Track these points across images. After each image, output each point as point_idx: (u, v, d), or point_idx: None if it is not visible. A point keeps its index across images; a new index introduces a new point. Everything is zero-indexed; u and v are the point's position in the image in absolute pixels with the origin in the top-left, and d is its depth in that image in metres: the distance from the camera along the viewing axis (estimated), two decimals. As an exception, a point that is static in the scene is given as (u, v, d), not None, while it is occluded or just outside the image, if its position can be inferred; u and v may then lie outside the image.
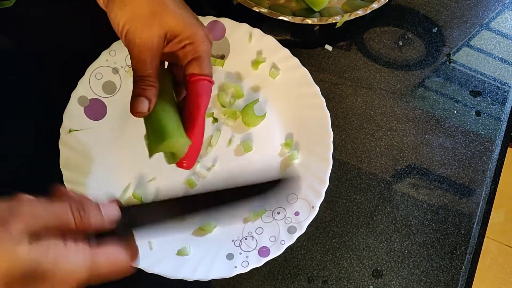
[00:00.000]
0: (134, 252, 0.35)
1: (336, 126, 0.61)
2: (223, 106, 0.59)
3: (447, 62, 0.65)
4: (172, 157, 0.46)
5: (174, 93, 0.49)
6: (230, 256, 0.54)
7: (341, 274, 0.57)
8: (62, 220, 0.32)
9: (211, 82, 0.47)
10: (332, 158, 0.56)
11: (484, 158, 0.61)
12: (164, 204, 0.37)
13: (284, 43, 0.59)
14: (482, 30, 0.66)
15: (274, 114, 0.60)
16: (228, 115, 0.59)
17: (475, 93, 0.64)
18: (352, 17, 0.60)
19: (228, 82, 0.60)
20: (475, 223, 0.59)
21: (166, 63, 0.51)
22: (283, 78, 0.60)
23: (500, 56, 0.65)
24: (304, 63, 0.59)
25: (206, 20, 0.59)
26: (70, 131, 0.56)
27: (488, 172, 0.61)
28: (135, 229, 0.35)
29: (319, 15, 0.62)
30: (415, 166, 0.61)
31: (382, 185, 0.60)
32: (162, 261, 0.53)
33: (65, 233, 0.32)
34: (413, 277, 0.57)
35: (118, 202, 0.36)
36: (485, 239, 0.60)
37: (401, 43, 0.65)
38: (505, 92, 0.64)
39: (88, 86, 0.57)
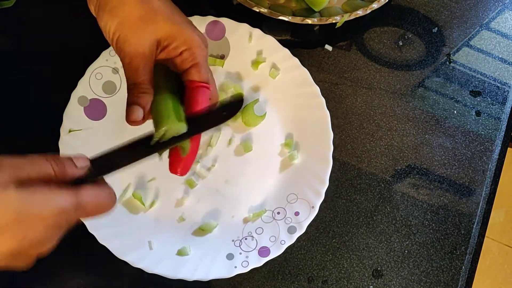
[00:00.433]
0: (110, 190, 0.38)
1: (336, 126, 0.61)
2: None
3: (447, 62, 0.65)
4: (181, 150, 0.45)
5: (174, 83, 0.47)
6: (230, 256, 0.54)
7: (341, 274, 0.57)
8: (42, 169, 0.34)
9: (208, 88, 0.46)
10: (332, 158, 0.56)
11: (484, 158, 0.61)
12: (129, 148, 0.40)
13: (284, 43, 0.59)
14: (482, 30, 0.66)
15: (274, 114, 0.60)
16: (228, 115, 0.59)
17: (475, 93, 0.64)
18: (352, 17, 0.60)
19: (228, 82, 0.60)
20: (475, 223, 0.59)
21: None
22: (283, 78, 0.60)
23: (500, 56, 0.65)
24: (304, 63, 0.59)
25: (206, 20, 0.60)
26: (70, 131, 0.56)
27: (488, 172, 0.61)
28: (105, 174, 0.39)
29: (319, 15, 0.62)
30: (415, 166, 0.61)
31: (382, 185, 0.60)
32: (162, 261, 0.53)
33: (46, 180, 0.34)
34: (413, 277, 0.57)
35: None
36: (485, 239, 0.60)
37: (401, 43, 0.65)
38: (505, 92, 0.64)
39: (88, 86, 0.57)
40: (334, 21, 0.60)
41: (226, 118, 0.43)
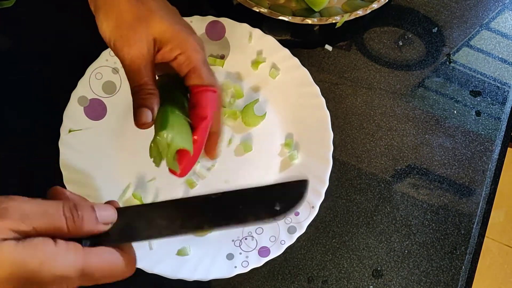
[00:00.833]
0: (130, 257, 0.33)
1: (336, 126, 0.61)
2: (223, 106, 0.59)
3: (447, 62, 0.65)
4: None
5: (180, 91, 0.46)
6: (230, 256, 0.54)
7: (341, 274, 0.57)
8: (53, 220, 0.30)
9: (215, 92, 0.44)
10: (332, 158, 0.56)
11: (484, 158, 0.61)
12: (163, 206, 0.35)
13: (284, 43, 0.59)
14: (482, 30, 0.66)
15: (274, 114, 0.60)
16: (228, 115, 0.59)
17: (475, 93, 0.64)
18: (352, 17, 0.60)
19: (228, 82, 0.60)
20: (475, 223, 0.59)
21: None
22: (283, 78, 0.60)
23: (500, 56, 0.65)
24: (304, 63, 0.59)
25: (206, 20, 0.60)
26: (70, 131, 0.56)
27: (488, 172, 0.61)
28: (132, 233, 0.33)
29: (319, 15, 0.62)
30: (415, 166, 0.61)
31: (382, 185, 0.60)
32: (162, 261, 0.53)
33: (56, 234, 0.30)
34: (413, 277, 0.57)
35: (115, 203, 0.34)
36: (485, 239, 0.60)
37: (401, 43, 0.65)
38: (505, 92, 0.64)
39: (88, 86, 0.57)
40: (334, 21, 0.60)
41: (278, 213, 0.32)
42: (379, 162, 0.61)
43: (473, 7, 0.67)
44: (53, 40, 0.62)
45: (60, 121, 0.56)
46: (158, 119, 0.42)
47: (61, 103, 0.56)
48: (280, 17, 0.60)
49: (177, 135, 0.41)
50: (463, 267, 0.58)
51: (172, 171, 0.44)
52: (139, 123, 0.41)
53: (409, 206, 0.59)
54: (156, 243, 0.55)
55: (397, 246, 0.58)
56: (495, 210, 1.38)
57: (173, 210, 0.34)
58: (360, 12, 0.60)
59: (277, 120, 0.60)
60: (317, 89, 0.58)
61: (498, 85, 0.64)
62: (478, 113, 0.63)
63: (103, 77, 0.58)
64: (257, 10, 0.59)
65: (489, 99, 0.64)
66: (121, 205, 0.56)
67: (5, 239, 0.28)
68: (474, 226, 0.59)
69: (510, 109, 0.64)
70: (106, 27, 0.42)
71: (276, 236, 0.55)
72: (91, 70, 0.57)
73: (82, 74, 0.57)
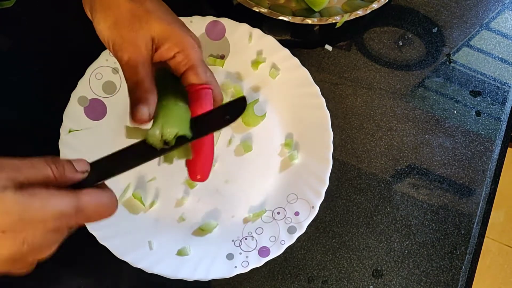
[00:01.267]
0: (111, 194, 0.37)
1: (336, 126, 0.61)
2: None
3: (447, 62, 0.65)
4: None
5: (177, 86, 0.46)
6: (230, 256, 0.54)
7: (341, 274, 0.57)
8: (41, 170, 0.33)
9: (210, 89, 0.45)
10: (332, 158, 0.56)
11: (484, 158, 0.61)
12: (129, 151, 0.40)
13: (284, 43, 0.59)
14: (482, 30, 0.66)
15: (274, 114, 0.60)
16: (228, 115, 0.59)
17: (475, 93, 0.64)
18: (352, 17, 0.60)
19: (228, 82, 0.60)
20: (475, 223, 0.59)
21: None
22: (283, 78, 0.60)
23: (500, 56, 0.65)
24: (304, 63, 0.59)
25: (206, 20, 0.60)
26: (70, 131, 0.56)
27: (488, 172, 0.61)
28: (106, 173, 0.38)
29: (319, 15, 0.62)
30: (415, 166, 0.61)
31: (382, 185, 0.60)
32: (162, 261, 0.53)
33: (46, 183, 0.33)
34: (413, 277, 0.57)
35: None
36: (485, 239, 0.60)
37: (401, 43, 0.65)
38: (505, 92, 0.64)
39: (88, 86, 0.57)
40: (334, 21, 0.60)
41: (229, 121, 0.42)
42: (379, 162, 0.61)
43: (473, 7, 0.67)
44: (53, 40, 0.62)
45: (60, 121, 0.56)
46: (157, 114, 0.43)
47: (61, 103, 0.56)
48: (280, 17, 0.60)
49: (171, 123, 0.42)
50: (463, 267, 0.58)
51: (192, 176, 0.45)
52: (136, 118, 0.42)
53: (409, 206, 0.59)
54: (156, 243, 0.55)
55: (397, 246, 0.58)
56: (495, 210, 1.38)
57: (141, 145, 0.40)
58: (360, 12, 0.60)
59: (277, 120, 0.60)
60: (317, 89, 0.58)
61: (498, 85, 0.64)
62: (478, 113, 0.63)
63: (103, 77, 0.58)
64: (257, 10, 0.59)
65: (489, 99, 0.64)
66: (120, 204, 0.56)
67: (5, 188, 0.31)
68: (474, 226, 0.59)
69: (510, 109, 0.64)
70: (104, 27, 0.43)
71: (276, 236, 0.55)
72: (91, 70, 0.57)
73: (82, 74, 0.57)
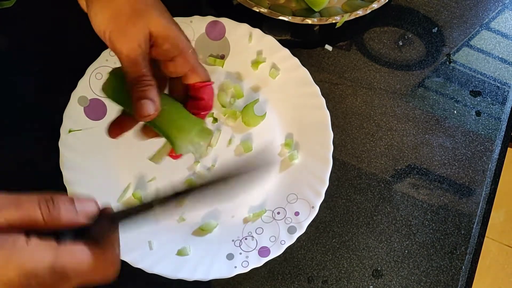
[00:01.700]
0: (109, 256, 0.30)
1: (336, 126, 0.61)
2: (223, 106, 0.59)
3: (447, 62, 0.65)
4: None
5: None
6: (230, 256, 0.54)
7: (341, 274, 0.57)
8: (27, 212, 0.28)
9: (212, 83, 0.46)
10: (332, 158, 0.56)
11: (484, 158, 0.61)
12: (150, 205, 0.34)
13: (284, 43, 0.59)
14: (482, 30, 0.66)
15: (274, 114, 0.60)
16: (228, 115, 0.59)
17: (475, 93, 0.64)
18: (352, 17, 0.60)
19: (228, 82, 0.60)
20: (475, 223, 0.59)
21: None
22: (283, 78, 0.60)
23: (500, 56, 0.65)
24: (304, 63, 0.59)
25: (206, 20, 0.60)
26: (70, 131, 0.56)
27: (488, 172, 0.61)
28: (118, 230, 0.32)
29: (319, 15, 0.62)
30: (415, 166, 0.61)
31: (382, 185, 0.60)
32: (162, 261, 0.53)
33: (32, 227, 0.28)
34: (413, 277, 0.57)
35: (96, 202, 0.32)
36: (485, 239, 0.60)
37: (401, 43, 0.65)
38: (505, 92, 0.64)
39: (88, 86, 0.57)
40: (334, 21, 0.60)
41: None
42: (379, 162, 0.61)
43: (473, 7, 0.67)
44: (53, 40, 0.62)
45: (60, 121, 0.56)
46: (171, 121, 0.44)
47: (61, 103, 0.56)
48: (280, 17, 0.60)
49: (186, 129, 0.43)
50: (463, 267, 0.58)
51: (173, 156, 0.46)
52: (142, 115, 0.40)
53: (409, 206, 0.59)
54: (156, 243, 0.55)
55: (397, 246, 0.58)
56: (495, 210, 1.38)
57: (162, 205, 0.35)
58: (360, 12, 0.60)
59: (277, 120, 0.60)
60: (317, 89, 0.58)
61: (498, 85, 0.64)
62: (478, 113, 0.63)
63: (103, 77, 0.58)
64: (257, 10, 0.59)
65: (489, 99, 0.64)
66: (120, 204, 0.56)
67: None
68: (474, 226, 0.59)
69: (510, 109, 0.64)
70: (102, 19, 0.42)
71: (276, 236, 0.55)
72: (91, 70, 0.57)
73: (82, 74, 0.57)
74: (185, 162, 0.58)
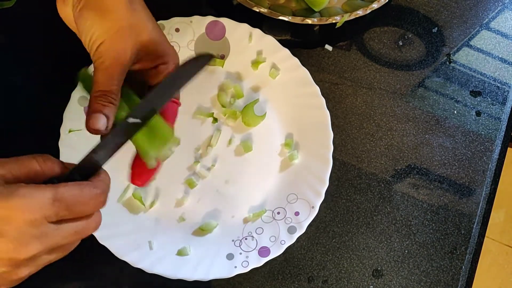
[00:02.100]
0: (98, 185, 0.37)
1: (336, 126, 0.61)
2: (223, 106, 0.59)
3: (447, 62, 0.65)
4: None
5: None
6: (230, 256, 0.54)
7: (341, 274, 0.57)
8: (27, 164, 0.35)
9: (179, 104, 0.48)
10: (332, 158, 0.56)
11: (484, 158, 0.61)
12: (107, 143, 0.40)
13: (284, 43, 0.59)
14: (482, 30, 0.66)
15: (274, 114, 0.60)
16: (228, 115, 0.59)
17: (475, 93, 0.64)
18: (352, 17, 0.60)
19: (228, 82, 0.60)
20: (475, 223, 0.59)
21: None
22: (283, 78, 0.60)
23: (500, 56, 0.65)
24: (304, 63, 0.59)
25: (206, 20, 0.60)
26: (70, 131, 0.56)
27: (488, 172, 0.61)
28: (90, 172, 0.38)
29: (319, 15, 0.62)
30: (415, 166, 0.61)
31: (382, 185, 0.60)
32: (162, 261, 0.53)
33: (33, 177, 0.35)
34: (413, 277, 0.57)
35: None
36: (485, 239, 0.60)
37: (401, 43, 0.65)
38: (505, 92, 0.64)
39: (88, 86, 0.57)
40: (334, 21, 0.60)
41: (193, 74, 0.44)
42: (379, 162, 0.61)
43: (473, 7, 0.67)
44: (53, 40, 0.62)
45: (60, 121, 0.56)
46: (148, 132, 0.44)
47: (61, 103, 0.56)
48: (280, 17, 0.60)
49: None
50: (463, 267, 0.58)
51: (134, 181, 0.48)
52: (92, 128, 0.40)
53: (409, 206, 0.59)
54: (156, 243, 0.55)
55: (397, 246, 0.58)
56: (495, 210, 1.38)
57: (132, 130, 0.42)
58: (360, 12, 0.60)
59: (277, 120, 0.60)
60: (317, 89, 0.58)
61: (498, 85, 0.64)
62: (478, 113, 0.63)
63: (103, 77, 0.58)
64: (257, 10, 0.59)
65: (489, 99, 0.64)
66: (120, 204, 0.56)
67: None
68: (474, 226, 0.59)
69: (510, 109, 0.64)
70: (95, 28, 0.42)
71: (276, 236, 0.55)
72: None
73: (82, 74, 0.57)
74: (185, 162, 0.58)
